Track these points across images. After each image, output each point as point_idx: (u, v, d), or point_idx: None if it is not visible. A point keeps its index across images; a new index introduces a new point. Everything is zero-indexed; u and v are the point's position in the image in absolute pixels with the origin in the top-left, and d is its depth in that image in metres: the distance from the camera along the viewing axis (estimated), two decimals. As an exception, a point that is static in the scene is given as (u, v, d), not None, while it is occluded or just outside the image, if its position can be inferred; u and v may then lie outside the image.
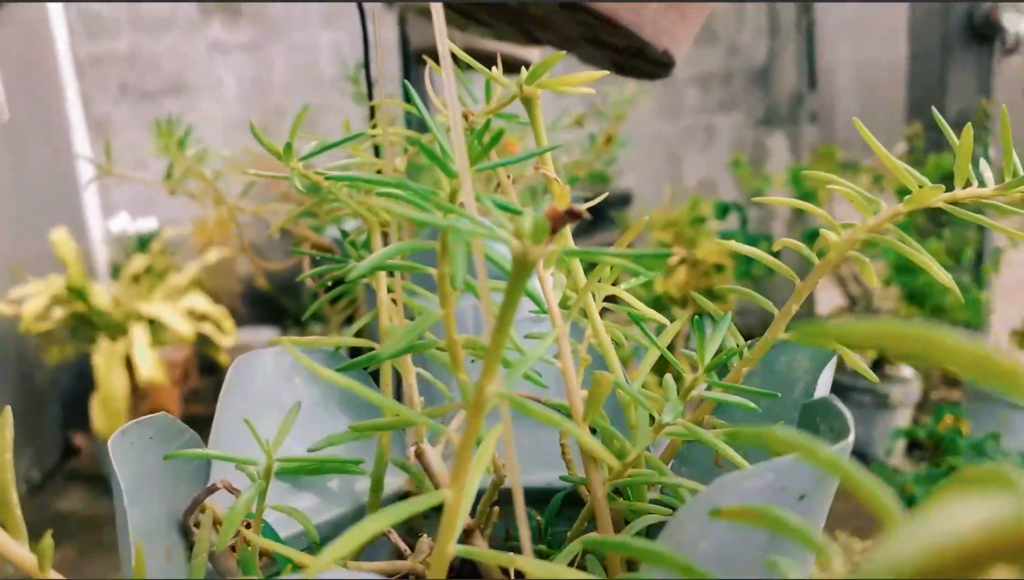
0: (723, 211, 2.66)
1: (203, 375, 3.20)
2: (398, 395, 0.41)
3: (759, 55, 3.44)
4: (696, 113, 3.43)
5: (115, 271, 2.84)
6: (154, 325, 2.37)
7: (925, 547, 0.10)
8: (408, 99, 0.34)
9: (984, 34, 3.19)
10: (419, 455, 0.36)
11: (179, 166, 0.99)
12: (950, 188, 0.33)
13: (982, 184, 0.34)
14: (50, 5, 2.90)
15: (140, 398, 2.43)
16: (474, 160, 0.29)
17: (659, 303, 2.45)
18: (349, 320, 3.11)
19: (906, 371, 2.56)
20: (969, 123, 0.35)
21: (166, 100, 3.12)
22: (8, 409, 0.22)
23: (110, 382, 2.28)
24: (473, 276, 0.25)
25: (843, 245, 0.33)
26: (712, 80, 3.42)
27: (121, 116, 3.11)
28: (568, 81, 0.34)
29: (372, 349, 0.37)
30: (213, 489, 0.33)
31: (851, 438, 0.27)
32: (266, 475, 0.33)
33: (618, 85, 1.57)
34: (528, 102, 0.34)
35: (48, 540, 0.22)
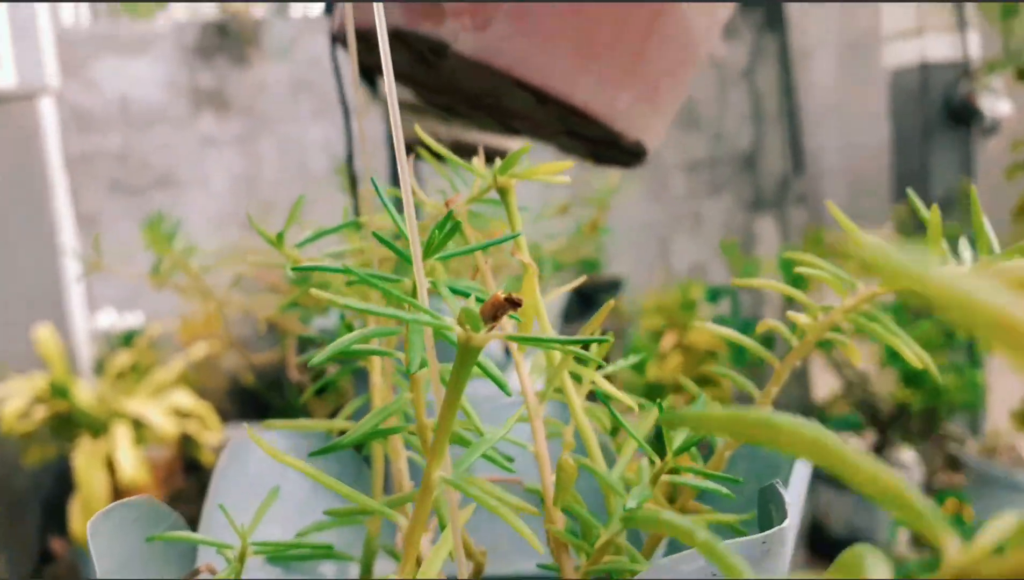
0: (714, 296, 2.66)
1: (187, 474, 3.12)
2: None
3: (744, 141, 3.50)
4: (684, 199, 3.47)
5: (99, 367, 2.80)
6: (138, 424, 2.32)
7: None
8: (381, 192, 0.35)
9: (963, 117, 3.28)
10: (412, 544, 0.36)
11: (166, 261, 1.00)
12: None
13: (960, 262, 0.34)
14: (41, 103, 2.94)
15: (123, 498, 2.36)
16: (434, 250, 0.30)
17: (653, 389, 2.42)
18: (335, 412, 3.06)
19: (907, 456, 2.51)
20: (935, 204, 0.36)
21: (156, 194, 3.13)
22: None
23: (91, 484, 2.22)
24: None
25: (818, 328, 0.34)
26: (699, 166, 3.47)
27: (111, 211, 3.12)
28: (540, 171, 0.35)
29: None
30: (196, 573, 0.33)
31: (787, 522, 0.27)
32: (240, 559, 0.33)
33: (602, 174, 1.58)
34: (503, 191, 0.35)
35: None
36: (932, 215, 0.34)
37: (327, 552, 0.36)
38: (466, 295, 0.29)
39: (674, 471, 0.33)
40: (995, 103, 3.23)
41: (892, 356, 2.44)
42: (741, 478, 0.33)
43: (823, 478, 2.41)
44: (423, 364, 0.25)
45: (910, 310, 2.67)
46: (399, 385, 0.38)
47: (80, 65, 3.05)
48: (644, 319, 2.59)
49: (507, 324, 0.35)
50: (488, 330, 0.19)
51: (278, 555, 0.35)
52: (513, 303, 0.19)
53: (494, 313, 0.19)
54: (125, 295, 3.06)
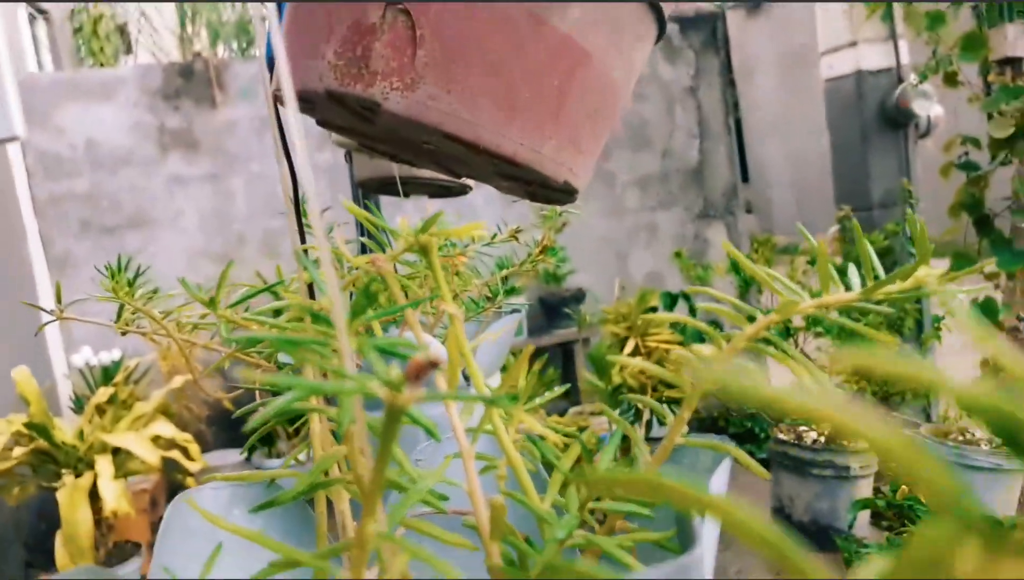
0: (671, 302, 2.78)
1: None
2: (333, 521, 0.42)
3: (692, 155, 3.65)
4: (638, 212, 3.61)
5: (78, 404, 2.84)
6: (120, 455, 2.36)
7: None
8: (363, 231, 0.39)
9: (898, 121, 3.44)
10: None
11: (129, 308, 1.02)
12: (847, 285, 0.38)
13: (848, 289, 0.37)
14: (9, 149, 3.00)
15: (107, 530, 2.39)
16: (359, 312, 0.31)
17: (618, 393, 2.52)
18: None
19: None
20: (822, 240, 0.39)
21: (127, 234, 3.19)
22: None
23: (74, 518, 2.24)
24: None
25: (726, 353, 0.36)
26: (651, 181, 3.62)
27: (83, 252, 3.17)
28: (458, 231, 0.38)
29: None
30: None
31: (693, 555, 0.30)
32: None
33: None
34: (424, 249, 0.37)
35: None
36: (820, 250, 0.37)
37: None
38: (395, 354, 0.29)
39: (600, 498, 0.35)
40: (928, 105, 3.40)
41: (841, 345, 2.56)
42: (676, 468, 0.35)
43: (786, 467, 2.52)
44: (354, 421, 0.26)
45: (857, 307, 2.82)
46: (339, 434, 0.39)
47: (45, 112, 3.11)
48: (606, 327, 2.70)
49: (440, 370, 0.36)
50: (412, 389, 0.20)
51: None
52: (433, 364, 0.20)
53: (417, 374, 0.20)
54: (102, 333, 3.11)
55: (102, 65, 4.00)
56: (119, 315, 1.03)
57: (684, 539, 0.34)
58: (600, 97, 0.48)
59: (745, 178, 3.74)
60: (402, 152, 0.60)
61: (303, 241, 0.96)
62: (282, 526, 0.42)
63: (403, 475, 0.32)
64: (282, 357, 1.01)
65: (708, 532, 0.33)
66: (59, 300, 1.08)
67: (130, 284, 1.03)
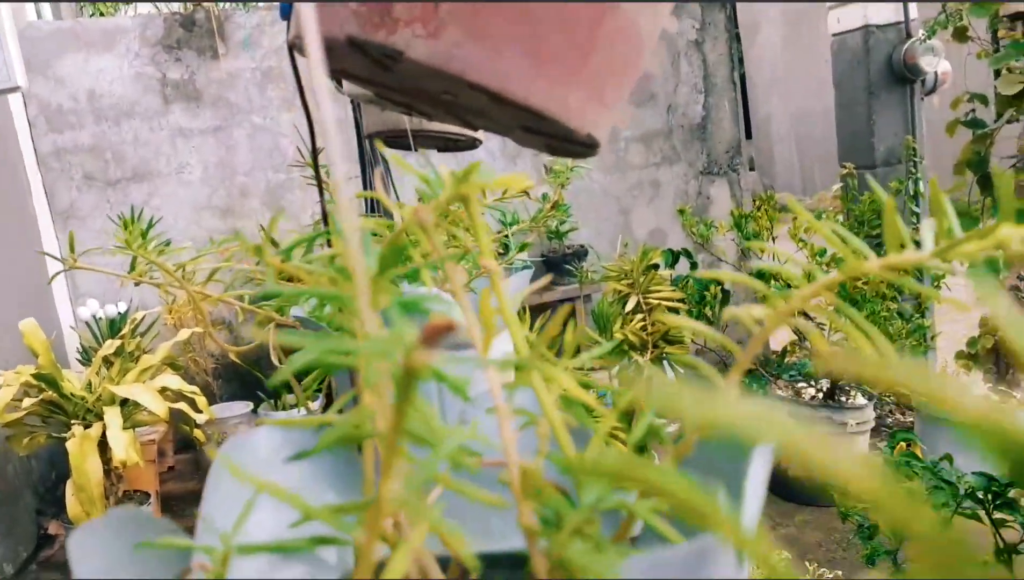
0: (674, 258, 2.79)
1: (179, 452, 3.21)
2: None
3: (696, 111, 3.63)
4: (641, 169, 3.60)
5: (85, 356, 2.87)
6: (127, 406, 2.40)
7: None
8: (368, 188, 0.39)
9: (904, 77, 3.41)
10: (396, 526, 0.37)
11: (143, 259, 1.03)
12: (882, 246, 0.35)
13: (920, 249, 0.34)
14: (11, 101, 2.98)
15: (116, 480, 2.44)
16: (387, 266, 0.31)
17: (619, 349, 2.55)
18: (319, 389, 3.14)
19: (860, 399, 2.66)
20: (892, 198, 0.36)
21: (131, 186, 3.19)
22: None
23: (84, 468, 2.28)
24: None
25: (777, 318, 0.34)
26: (654, 137, 3.60)
27: (87, 204, 3.17)
28: (502, 182, 0.36)
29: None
30: (188, 571, 0.33)
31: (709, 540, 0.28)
32: (222, 562, 0.33)
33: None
34: (465, 200, 0.35)
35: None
36: (888, 203, 0.33)
37: (317, 543, 0.35)
38: (420, 311, 0.29)
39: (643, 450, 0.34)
40: (935, 61, 3.37)
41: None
42: (706, 460, 0.34)
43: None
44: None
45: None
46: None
47: (46, 62, 3.08)
48: (608, 283, 2.71)
49: (474, 324, 0.35)
50: (427, 351, 0.20)
51: (278, 548, 0.34)
52: (450, 327, 0.20)
53: (433, 337, 0.20)
54: (108, 286, 3.12)
55: (102, 14, 3.95)
56: (132, 266, 1.04)
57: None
58: (626, 48, 0.47)
59: (748, 134, 3.71)
60: (419, 103, 0.58)
61: (321, 195, 0.96)
62: (332, 471, 0.42)
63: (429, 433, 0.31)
64: (295, 311, 1.02)
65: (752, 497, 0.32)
66: (72, 249, 1.09)
67: (143, 235, 1.03)
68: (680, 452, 0.35)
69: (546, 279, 0.80)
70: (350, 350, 0.23)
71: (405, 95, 0.57)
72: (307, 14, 0.33)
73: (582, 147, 0.51)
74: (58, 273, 1.10)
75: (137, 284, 1.07)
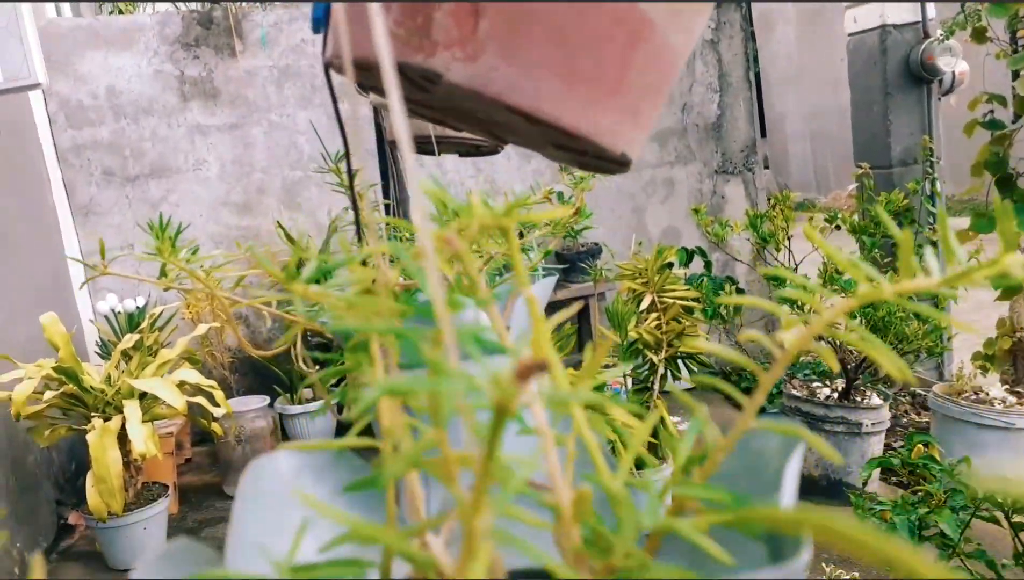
0: (688, 257, 2.80)
1: (196, 445, 3.24)
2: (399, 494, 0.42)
3: (711, 110, 3.63)
4: (656, 167, 3.60)
5: (104, 350, 2.90)
6: (146, 399, 2.42)
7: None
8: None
9: (921, 78, 3.40)
10: (423, 546, 0.37)
11: (173, 266, 1.04)
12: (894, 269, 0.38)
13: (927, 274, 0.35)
14: (31, 97, 3.01)
15: (135, 472, 2.47)
16: (451, 302, 0.31)
17: (633, 348, 2.56)
18: (336, 384, 3.17)
19: (875, 399, 2.65)
20: (910, 227, 0.37)
21: (150, 183, 3.22)
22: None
23: (105, 460, 2.31)
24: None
25: (800, 341, 0.35)
26: (669, 136, 3.61)
27: (106, 200, 3.20)
28: (542, 217, 0.38)
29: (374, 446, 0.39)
30: None
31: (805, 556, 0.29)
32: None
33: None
34: (503, 232, 0.36)
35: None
36: (904, 236, 0.35)
37: (359, 568, 0.35)
38: (486, 346, 0.29)
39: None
40: (953, 61, 3.35)
41: (859, 307, 2.58)
42: (732, 472, 0.35)
43: (798, 422, 2.56)
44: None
45: (874, 261, 2.82)
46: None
47: (66, 59, 3.11)
48: (623, 282, 2.72)
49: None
50: (518, 391, 0.21)
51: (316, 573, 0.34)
52: (542, 368, 0.21)
53: (527, 376, 0.21)
54: (126, 281, 3.16)
55: (121, 12, 3.98)
56: (162, 273, 1.05)
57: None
58: (660, 68, 0.48)
59: (762, 133, 3.70)
60: (451, 119, 0.59)
61: (355, 209, 0.97)
62: (351, 496, 0.43)
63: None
64: (326, 320, 1.02)
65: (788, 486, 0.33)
66: (103, 255, 1.11)
67: (172, 242, 1.04)
68: (709, 470, 0.36)
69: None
70: (433, 388, 0.23)
71: (439, 112, 0.58)
72: (343, 36, 0.34)
73: (615, 164, 0.52)
74: (90, 278, 1.11)
75: (167, 289, 1.07)
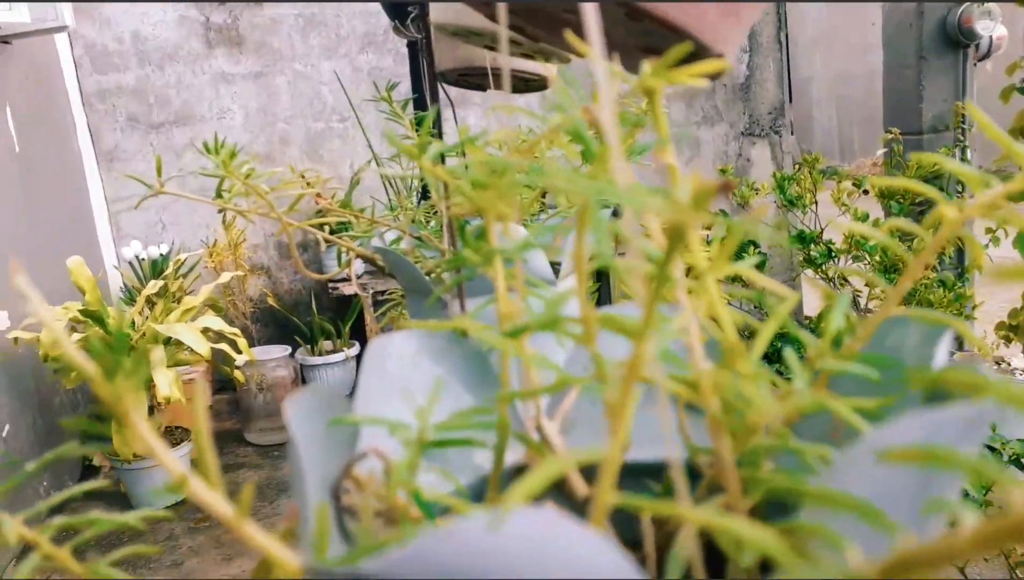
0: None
1: (217, 393, 3.29)
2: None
3: (740, 70, 3.57)
4: (682, 127, 3.56)
5: (128, 296, 2.93)
6: (170, 345, 2.45)
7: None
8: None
9: (958, 41, 3.32)
10: (539, 429, 0.38)
11: (231, 183, 1.03)
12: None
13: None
14: (57, 40, 3.01)
15: (158, 415, 2.51)
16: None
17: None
18: (353, 333, 3.18)
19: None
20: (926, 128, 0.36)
21: (174, 130, 3.22)
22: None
23: (129, 402, 2.35)
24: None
25: (956, 222, 0.34)
26: (696, 95, 3.56)
27: (131, 145, 3.21)
28: (691, 72, 0.34)
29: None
30: (363, 456, 0.34)
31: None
32: (419, 441, 0.34)
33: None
34: (650, 93, 0.34)
35: (248, 494, 0.22)
36: None
37: (479, 442, 0.37)
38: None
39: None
40: (991, 25, 3.26)
41: (883, 272, 2.56)
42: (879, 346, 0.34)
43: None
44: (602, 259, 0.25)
45: (898, 231, 2.79)
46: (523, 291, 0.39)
47: (92, 3, 3.10)
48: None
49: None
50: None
51: (443, 440, 0.36)
52: (726, 188, 0.19)
53: (708, 198, 0.19)
54: (150, 229, 3.18)
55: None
56: (219, 191, 1.04)
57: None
58: None
59: (790, 96, 3.65)
60: (536, 25, 0.56)
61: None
62: (466, 373, 0.43)
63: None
64: (375, 243, 1.01)
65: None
66: (159, 173, 1.09)
67: (231, 157, 1.03)
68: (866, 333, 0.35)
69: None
70: (612, 192, 0.21)
71: (520, 17, 0.55)
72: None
73: (709, 74, 0.50)
74: (147, 196, 1.09)
75: (222, 210, 1.06)
